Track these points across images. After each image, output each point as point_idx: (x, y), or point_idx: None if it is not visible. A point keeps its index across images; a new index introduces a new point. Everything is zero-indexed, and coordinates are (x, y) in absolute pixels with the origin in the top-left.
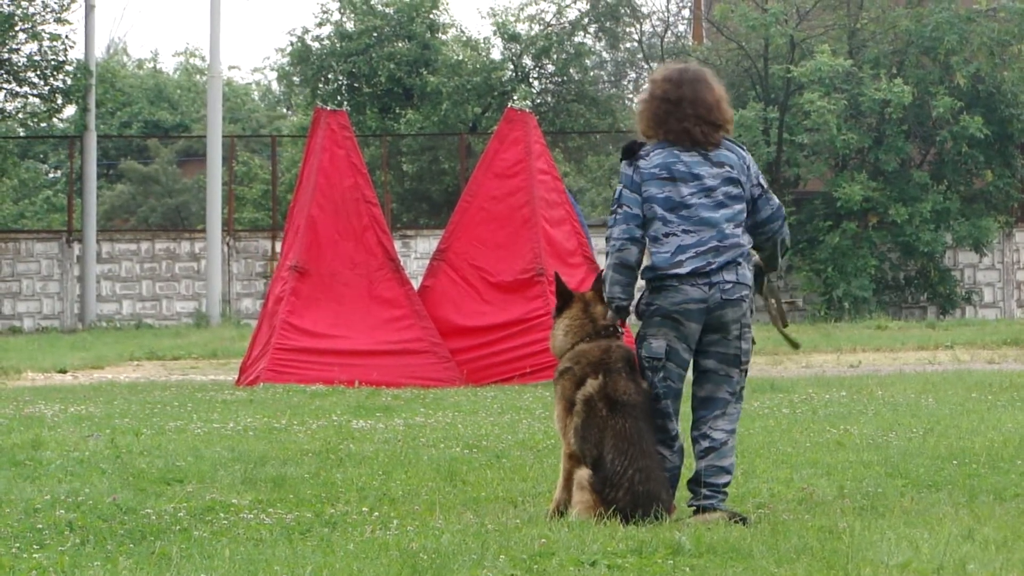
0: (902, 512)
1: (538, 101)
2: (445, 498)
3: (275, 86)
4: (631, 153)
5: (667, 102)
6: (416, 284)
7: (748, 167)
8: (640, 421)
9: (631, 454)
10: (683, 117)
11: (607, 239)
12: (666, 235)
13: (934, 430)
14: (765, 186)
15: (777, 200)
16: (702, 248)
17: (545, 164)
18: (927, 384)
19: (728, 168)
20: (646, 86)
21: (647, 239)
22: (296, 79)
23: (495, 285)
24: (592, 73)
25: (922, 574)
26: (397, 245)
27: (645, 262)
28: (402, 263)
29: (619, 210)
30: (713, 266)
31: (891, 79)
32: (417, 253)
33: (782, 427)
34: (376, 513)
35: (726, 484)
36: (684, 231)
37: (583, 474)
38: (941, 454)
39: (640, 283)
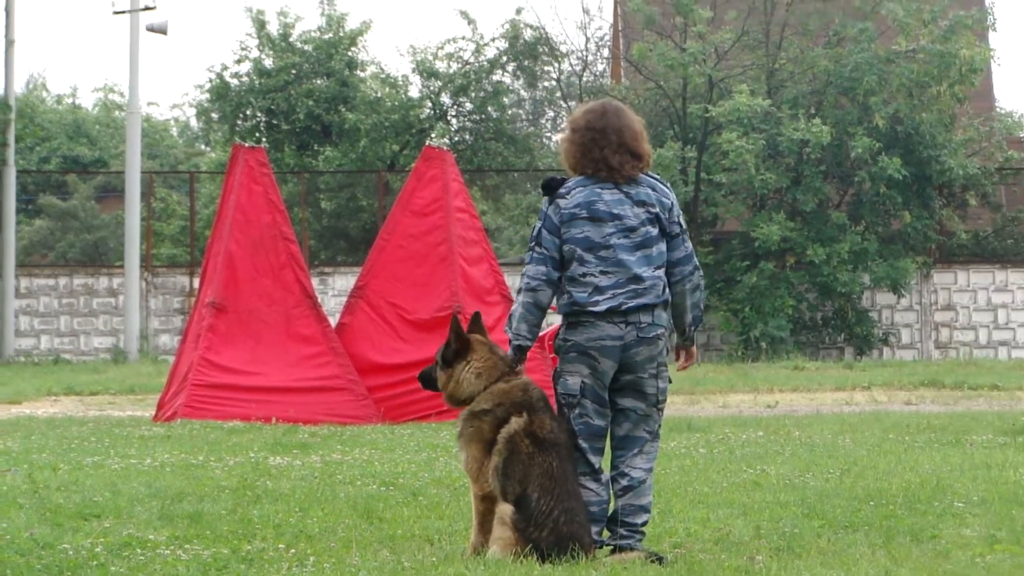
0: (819, 553)
1: (456, 139)
2: (362, 535)
3: (194, 122)
4: (551, 189)
5: (592, 131)
6: (334, 321)
7: (671, 206)
8: (566, 462)
9: (557, 494)
10: (606, 144)
11: (522, 275)
12: (583, 275)
13: (851, 471)
14: (683, 227)
15: (691, 247)
16: (619, 290)
17: (463, 202)
18: (844, 425)
19: (650, 208)
20: (567, 125)
21: (564, 278)
22: (215, 115)
23: (412, 323)
24: (510, 111)
25: None
26: (315, 282)
27: (562, 299)
28: (320, 300)
29: (537, 249)
30: (629, 305)
31: (809, 119)
32: (335, 290)
33: (699, 467)
34: (293, 550)
35: (644, 524)
36: (602, 272)
37: (505, 509)
38: (858, 495)
39: (551, 320)
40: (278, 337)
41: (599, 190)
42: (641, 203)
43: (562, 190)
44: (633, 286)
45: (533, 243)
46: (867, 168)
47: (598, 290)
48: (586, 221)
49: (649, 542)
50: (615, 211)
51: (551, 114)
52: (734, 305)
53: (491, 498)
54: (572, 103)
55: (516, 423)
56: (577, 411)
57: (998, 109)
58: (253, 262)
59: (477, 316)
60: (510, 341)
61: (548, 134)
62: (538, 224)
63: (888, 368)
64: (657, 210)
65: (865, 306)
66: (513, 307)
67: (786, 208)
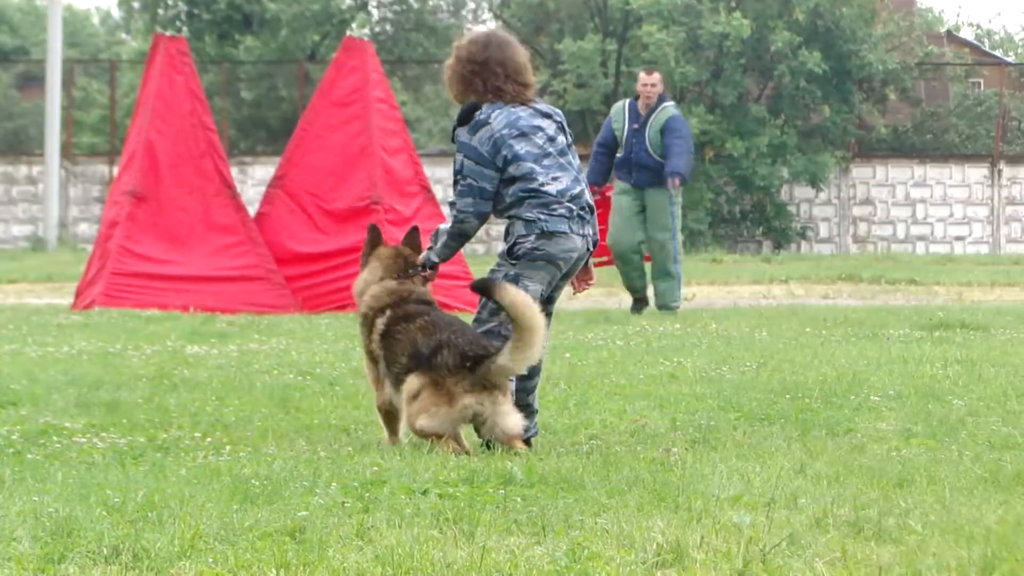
0: (734, 445)
1: (377, 30)
2: (278, 425)
3: (115, 11)
4: (469, 118)
5: (473, 63)
6: (252, 211)
7: (564, 122)
8: (438, 313)
9: (438, 328)
10: (492, 76)
11: (452, 205)
12: (542, 186)
13: (767, 364)
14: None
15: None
16: (574, 192)
17: (383, 93)
18: (760, 318)
19: (556, 117)
20: (452, 51)
21: (524, 191)
22: (136, 4)
23: (330, 213)
24: (431, 2)
25: (753, 507)
26: (234, 172)
27: (530, 214)
28: (239, 190)
29: (463, 181)
30: (587, 218)
31: (730, 12)
32: (254, 180)
33: (616, 359)
34: (209, 439)
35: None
36: (553, 178)
37: (410, 381)
38: (774, 388)
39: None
40: (197, 226)
41: (513, 109)
42: (547, 115)
43: (481, 117)
44: (579, 188)
45: (458, 175)
46: (787, 62)
47: (556, 198)
48: (520, 138)
49: (565, 433)
50: (534, 123)
51: (472, 5)
52: None
53: (391, 414)
54: None
55: (380, 321)
56: None
57: (918, 4)
58: (173, 151)
59: (374, 228)
60: (429, 250)
61: (469, 25)
62: (459, 156)
63: (806, 262)
64: (560, 119)
65: (784, 200)
66: (440, 227)
67: (706, 102)
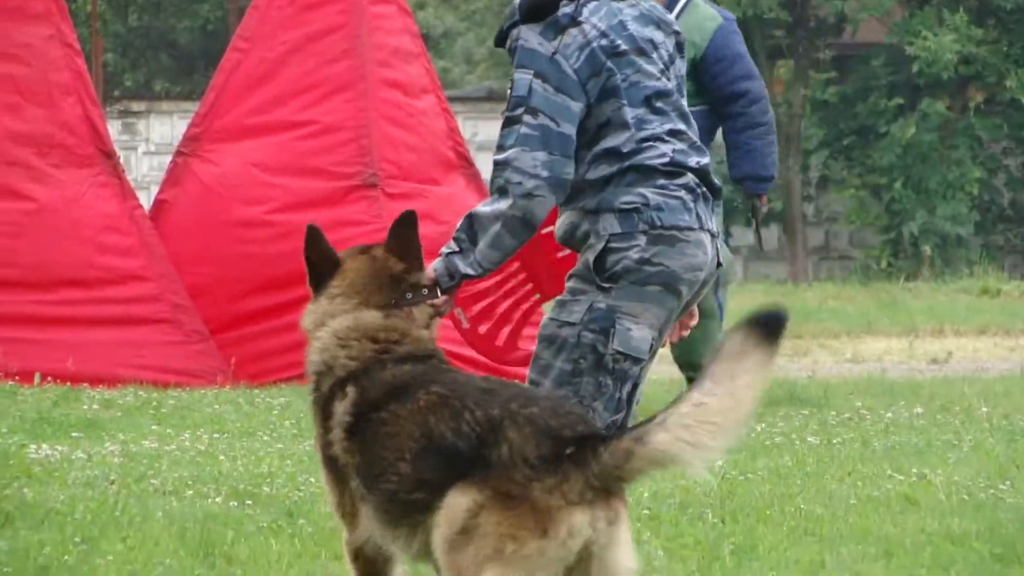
0: None
1: None
2: None
3: None
4: (544, 10)
5: None
6: (147, 199)
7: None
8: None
9: (475, 398)
10: None
11: (503, 164)
12: (650, 144)
13: None
14: None
15: None
16: (699, 160)
17: None
18: None
19: (673, 27)
20: None
21: (617, 158)
22: None
23: (287, 201)
24: None
25: None
26: (115, 129)
27: (627, 197)
28: (123, 159)
29: (528, 120)
30: (711, 201)
31: None
32: (150, 144)
33: (806, 469)
34: None
35: None
36: (671, 133)
37: (454, 503)
38: None
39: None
40: (53, 224)
41: (617, 4)
42: (659, 24)
43: (566, 10)
44: (705, 154)
45: (519, 109)
46: None
47: (677, 167)
48: (623, 57)
49: None
50: (647, 34)
51: None
52: (874, 178)
53: (372, 564)
54: None
55: (341, 407)
56: (631, 383)
57: None
58: (13, 87)
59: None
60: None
61: None
62: (524, 74)
63: None
64: (678, 32)
65: None
66: (478, 209)
67: (969, 6)
